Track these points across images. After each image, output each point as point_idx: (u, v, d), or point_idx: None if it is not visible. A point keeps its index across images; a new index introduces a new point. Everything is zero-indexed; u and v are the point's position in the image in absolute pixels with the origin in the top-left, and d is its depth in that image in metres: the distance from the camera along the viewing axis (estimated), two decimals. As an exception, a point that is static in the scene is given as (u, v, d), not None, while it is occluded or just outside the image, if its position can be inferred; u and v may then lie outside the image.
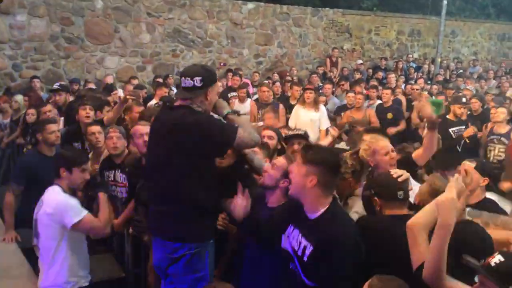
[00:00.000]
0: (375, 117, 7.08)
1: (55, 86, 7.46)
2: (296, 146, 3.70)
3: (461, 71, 13.48)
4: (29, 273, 3.59)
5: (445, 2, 11.97)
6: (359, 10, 13.96)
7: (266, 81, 9.59)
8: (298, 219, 2.42)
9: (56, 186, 3.17)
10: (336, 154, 2.56)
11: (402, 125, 7.22)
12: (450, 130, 6.08)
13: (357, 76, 10.93)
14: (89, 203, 3.72)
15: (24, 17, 8.72)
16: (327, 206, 2.31)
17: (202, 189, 2.74)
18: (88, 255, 3.35)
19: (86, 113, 5.00)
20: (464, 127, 6.11)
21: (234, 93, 8.14)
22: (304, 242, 2.30)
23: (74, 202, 3.11)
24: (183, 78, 2.78)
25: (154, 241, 2.97)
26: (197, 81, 2.72)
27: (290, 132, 4.12)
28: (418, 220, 2.17)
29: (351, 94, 7.34)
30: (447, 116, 6.22)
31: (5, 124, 7.36)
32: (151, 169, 2.88)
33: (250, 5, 11.53)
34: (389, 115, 7.21)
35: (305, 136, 3.92)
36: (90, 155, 4.81)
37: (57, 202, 3.05)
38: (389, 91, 7.65)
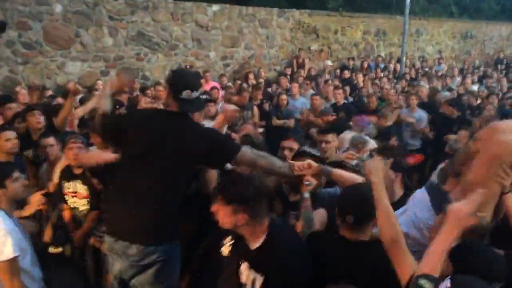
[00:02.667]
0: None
1: None
2: None
3: (426, 69, 13.70)
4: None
5: (408, 1, 12.13)
6: (325, 11, 14.00)
7: (230, 84, 9.57)
8: (243, 251, 2.31)
9: None
10: (251, 180, 2.36)
11: None
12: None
13: (327, 76, 10.96)
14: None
15: (-22, 22, 8.32)
16: (267, 232, 2.24)
17: (180, 193, 2.76)
18: (38, 278, 3.06)
19: (36, 119, 4.77)
20: None
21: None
22: (253, 274, 2.21)
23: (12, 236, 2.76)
24: (188, 90, 2.71)
25: (114, 247, 2.75)
26: (199, 92, 2.82)
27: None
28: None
29: (316, 97, 7.47)
30: None
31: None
32: (132, 168, 2.73)
33: (215, 7, 11.39)
34: (341, 114, 7.26)
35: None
36: (44, 167, 4.60)
37: None
38: (341, 91, 7.86)
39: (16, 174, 3.00)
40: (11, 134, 4.20)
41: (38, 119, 4.78)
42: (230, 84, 9.83)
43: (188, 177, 2.85)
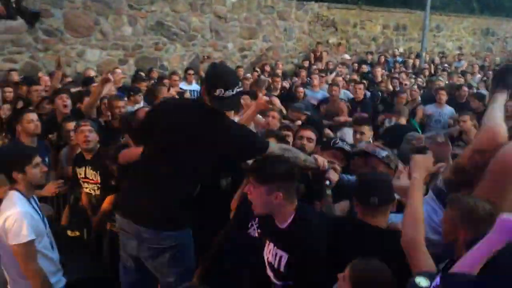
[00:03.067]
0: (345, 113, 7.07)
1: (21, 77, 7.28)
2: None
3: (445, 65, 13.52)
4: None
5: (429, -4, 11.95)
6: (345, 4, 13.88)
7: (249, 75, 9.54)
8: (270, 232, 2.45)
9: (13, 191, 2.89)
10: (285, 161, 2.49)
11: None
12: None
13: (343, 70, 10.86)
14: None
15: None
16: (294, 213, 2.35)
17: (198, 183, 2.83)
18: (56, 261, 3.10)
19: (63, 102, 4.82)
20: None
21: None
22: (279, 253, 2.34)
23: (27, 220, 2.79)
24: (222, 89, 2.62)
25: (127, 229, 2.78)
26: (236, 90, 2.71)
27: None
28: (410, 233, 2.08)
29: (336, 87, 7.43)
30: None
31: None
32: (157, 157, 2.73)
33: (234, -2, 11.38)
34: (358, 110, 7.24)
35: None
36: (64, 151, 4.65)
37: (9, 215, 2.77)
38: (361, 86, 7.70)
39: (36, 159, 2.98)
40: (33, 115, 4.24)
41: (65, 102, 4.86)
42: (248, 75, 9.80)
43: (209, 170, 2.83)
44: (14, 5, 2.47)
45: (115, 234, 3.78)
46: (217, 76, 2.71)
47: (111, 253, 4.01)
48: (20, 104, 5.56)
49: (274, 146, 2.77)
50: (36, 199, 3.14)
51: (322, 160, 2.83)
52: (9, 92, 6.41)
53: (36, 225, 2.85)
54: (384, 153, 2.94)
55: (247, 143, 2.72)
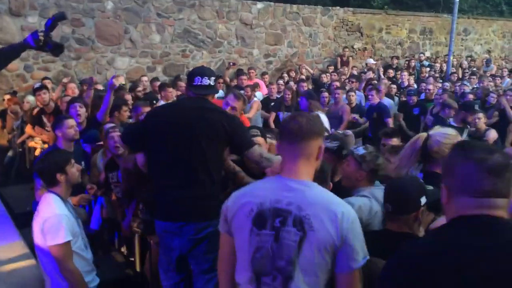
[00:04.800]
0: (347, 115, 7.39)
1: (37, 85, 7.52)
2: None
3: (474, 69, 13.31)
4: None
5: (456, 0, 11.80)
6: (370, 9, 13.84)
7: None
8: None
9: (50, 194, 3.06)
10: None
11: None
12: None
13: (371, 75, 10.82)
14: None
15: (35, 19, 8.76)
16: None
17: (219, 171, 3.04)
18: (90, 261, 3.25)
19: (76, 111, 5.06)
20: None
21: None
22: None
23: (64, 222, 2.94)
24: (199, 77, 3.04)
25: (171, 228, 2.98)
26: (213, 80, 3.08)
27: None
28: None
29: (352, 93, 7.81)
30: None
31: (17, 125, 7.43)
32: (167, 153, 2.95)
33: (260, 5, 11.50)
34: (374, 115, 7.31)
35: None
36: (98, 155, 4.82)
37: (48, 217, 2.93)
38: (374, 92, 7.58)
39: (72, 160, 3.20)
40: (72, 121, 4.42)
41: (78, 112, 5.03)
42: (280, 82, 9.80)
43: (221, 151, 3.05)
44: (43, 38, 2.69)
45: (145, 236, 3.91)
46: (194, 70, 3.17)
47: (140, 256, 4.14)
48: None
49: (256, 149, 3.01)
50: (70, 202, 3.31)
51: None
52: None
53: (72, 227, 3.00)
54: (361, 152, 2.91)
55: (240, 129, 3.05)
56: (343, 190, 2.78)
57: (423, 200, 2.42)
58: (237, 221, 1.96)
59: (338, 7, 13.02)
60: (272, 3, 11.73)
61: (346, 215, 1.82)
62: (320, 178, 2.21)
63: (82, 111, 5.23)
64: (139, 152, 3.19)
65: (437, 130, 3.05)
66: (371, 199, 2.75)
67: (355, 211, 2.38)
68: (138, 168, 3.37)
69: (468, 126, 6.17)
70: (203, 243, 2.95)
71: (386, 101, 7.99)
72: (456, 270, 1.38)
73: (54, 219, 2.91)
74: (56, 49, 2.92)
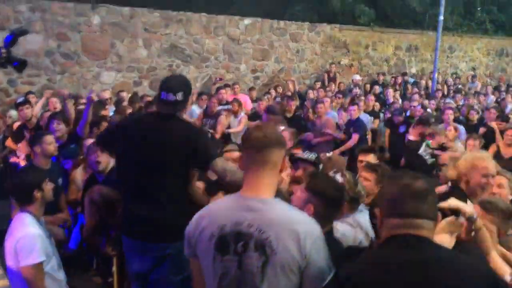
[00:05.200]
0: (331, 128, 7.36)
1: (19, 99, 7.46)
2: (300, 172, 3.47)
3: (459, 86, 13.47)
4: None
5: (441, 18, 11.99)
6: (356, 26, 13.99)
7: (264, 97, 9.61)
8: None
9: (24, 213, 3.03)
10: (340, 188, 2.45)
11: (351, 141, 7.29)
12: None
13: (357, 90, 10.91)
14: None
15: (20, 33, 8.71)
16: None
17: (183, 192, 2.89)
18: (63, 282, 3.19)
19: (55, 126, 5.03)
20: None
21: (226, 106, 8.07)
22: None
23: (38, 242, 2.91)
24: (165, 92, 2.86)
25: (132, 246, 2.91)
26: (179, 96, 2.86)
27: (299, 155, 3.71)
28: None
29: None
30: None
31: (-1, 140, 7.32)
32: (130, 171, 2.89)
33: (247, 21, 11.57)
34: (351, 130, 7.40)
35: (315, 162, 3.56)
36: (78, 172, 4.76)
37: (21, 237, 2.89)
38: (355, 107, 7.71)
39: (47, 178, 3.23)
40: (51, 137, 4.42)
41: (56, 127, 5.00)
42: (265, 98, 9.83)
43: (183, 173, 2.89)
44: (4, 55, 2.63)
45: (122, 254, 3.84)
46: (163, 82, 2.96)
47: (118, 275, 4.05)
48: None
49: (218, 162, 2.86)
50: (43, 220, 3.24)
51: None
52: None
53: (45, 247, 2.96)
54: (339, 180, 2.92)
55: (202, 144, 2.87)
56: None
57: None
58: (200, 246, 1.90)
59: (325, 24, 13.15)
60: (259, 19, 11.82)
61: (309, 234, 1.78)
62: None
63: (60, 127, 5.21)
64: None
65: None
66: (356, 227, 2.71)
67: (339, 237, 2.37)
68: (105, 197, 3.32)
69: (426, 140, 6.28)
70: (163, 264, 2.82)
71: (364, 116, 8.13)
72: (381, 283, 1.56)
73: (28, 239, 2.87)
74: (21, 65, 2.87)
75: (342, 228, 2.63)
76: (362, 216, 2.73)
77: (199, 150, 2.82)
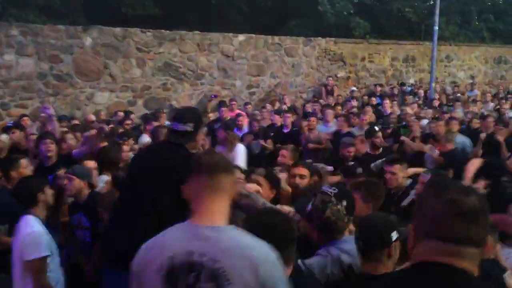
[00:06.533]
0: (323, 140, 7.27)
1: (8, 124, 7.43)
2: None
3: (458, 94, 13.36)
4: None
5: (436, 28, 11.98)
6: (352, 38, 13.97)
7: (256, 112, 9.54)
8: None
9: (29, 216, 3.22)
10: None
11: None
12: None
13: (354, 103, 10.81)
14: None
15: (11, 57, 8.73)
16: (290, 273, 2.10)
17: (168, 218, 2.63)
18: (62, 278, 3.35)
19: (46, 147, 4.90)
20: None
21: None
22: None
23: (44, 238, 3.11)
24: (175, 122, 2.89)
25: (108, 273, 2.82)
26: (190, 126, 2.85)
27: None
28: None
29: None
30: None
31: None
32: (126, 195, 2.89)
33: (241, 37, 11.56)
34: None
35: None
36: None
37: (28, 233, 3.10)
38: (342, 118, 7.66)
39: (47, 185, 3.46)
40: (27, 161, 4.44)
41: (48, 147, 4.88)
42: (257, 112, 9.78)
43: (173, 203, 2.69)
44: None
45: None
46: (174, 111, 3.12)
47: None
48: None
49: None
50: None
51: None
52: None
53: (50, 244, 3.18)
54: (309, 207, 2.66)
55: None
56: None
57: (394, 235, 2.29)
58: (147, 280, 1.76)
59: (319, 37, 13.12)
60: (253, 35, 11.80)
61: (264, 260, 1.67)
62: None
63: (52, 146, 5.07)
64: None
65: None
66: (326, 257, 2.46)
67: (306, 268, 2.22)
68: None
69: None
70: None
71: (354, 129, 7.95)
72: None
73: (34, 235, 3.09)
74: None
75: (309, 261, 2.42)
76: (337, 248, 2.47)
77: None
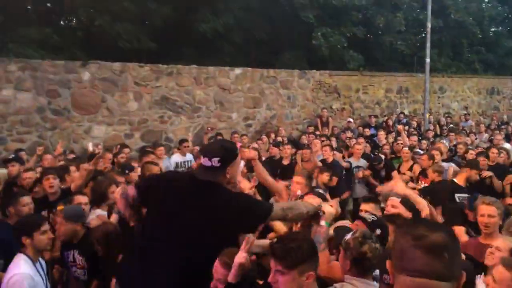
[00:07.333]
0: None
1: (10, 156, 7.44)
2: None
3: (451, 125, 13.49)
4: None
5: (427, 60, 12.21)
6: (346, 71, 14.21)
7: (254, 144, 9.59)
8: None
9: (21, 254, 3.21)
10: (303, 238, 2.39)
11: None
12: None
13: (348, 134, 10.91)
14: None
15: (10, 92, 8.84)
16: None
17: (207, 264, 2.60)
18: None
19: (49, 183, 4.89)
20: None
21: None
22: None
23: (27, 282, 3.05)
24: (204, 157, 2.79)
25: None
26: (215, 161, 2.72)
27: (365, 216, 3.33)
28: None
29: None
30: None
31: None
32: (155, 231, 2.67)
33: (238, 71, 11.75)
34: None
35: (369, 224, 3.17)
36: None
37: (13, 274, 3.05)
38: (327, 148, 7.67)
39: (45, 227, 3.31)
40: (28, 199, 4.33)
41: (51, 183, 4.90)
42: (254, 144, 9.82)
43: (219, 247, 2.62)
44: None
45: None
46: (205, 146, 3.11)
47: None
48: None
49: (277, 208, 2.77)
50: (42, 262, 3.43)
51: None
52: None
53: (34, 286, 3.09)
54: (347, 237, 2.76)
55: (247, 208, 2.69)
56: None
57: None
58: None
59: (314, 70, 13.35)
60: (249, 69, 12.00)
61: None
62: None
63: (56, 182, 5.08)
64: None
65: None
66: None
67: None
68: (109, 237, 3.42)
69: None
70: None
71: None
72: None
73: (18, 277, 3.03)
74: None
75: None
76: None
77: (245, 218, 2.65)
